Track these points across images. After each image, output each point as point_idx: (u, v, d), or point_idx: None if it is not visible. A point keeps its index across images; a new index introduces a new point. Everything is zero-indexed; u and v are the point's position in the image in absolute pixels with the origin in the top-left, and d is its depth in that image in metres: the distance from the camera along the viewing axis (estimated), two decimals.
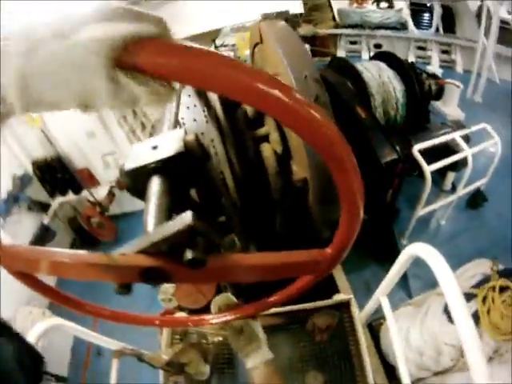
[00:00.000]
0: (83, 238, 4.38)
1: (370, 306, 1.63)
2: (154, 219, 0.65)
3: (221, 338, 1.67)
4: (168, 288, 2.58)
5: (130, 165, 0.78)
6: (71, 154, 4.11)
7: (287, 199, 1.51)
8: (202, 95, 1.69)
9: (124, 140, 4.00)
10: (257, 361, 0.96)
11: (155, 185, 0.74)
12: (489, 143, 3.15)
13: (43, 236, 3.98)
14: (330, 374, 1.66)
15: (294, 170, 1.53)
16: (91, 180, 4.25)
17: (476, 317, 1.88)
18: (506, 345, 1.81)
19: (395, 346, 1.40)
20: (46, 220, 4.07)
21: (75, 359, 3.34)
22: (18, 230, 3.73)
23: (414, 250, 1.15)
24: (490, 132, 3.18)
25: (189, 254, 0.54)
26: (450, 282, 0.98)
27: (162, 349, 1.72)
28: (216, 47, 5.29)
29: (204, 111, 1.57)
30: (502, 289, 1.90)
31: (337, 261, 0.67)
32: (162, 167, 0.76)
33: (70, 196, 4.27)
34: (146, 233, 0.64)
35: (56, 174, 4.06)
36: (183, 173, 0.78)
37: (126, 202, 4.41)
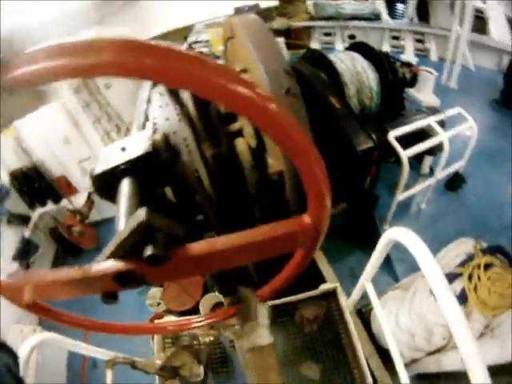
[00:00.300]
0: (65, 247, 4.29)
1: (355, 293, 1.64)
2: (124, 221, 0.64)
3: (212, 338, 1.66)
4: (155, 292, 2.56)
5: (100, 168, 0.78)
6: (47, 162, 4.00)
7: (264, 193, 1.50)
8: (173, 93, 1.66)
9: (99, 144, 3.93)
10: (252, 341, 0.94)
11: (125, 186, 0.74)
12: (464, 127, 3.22)
13: (26, 250, 3.87)
14: (325, 363, 1.68)
15: (269, 164, 1.53)
16: (69, 188, 4.16)
17: (463, 295, 1.93)
18: (495, 319, 1.86)
19: (384, 328, 1.42)
20: (27, 233, 3.96)
21: (72, 374, 3.28)
22: (3, 244, 3.62)
23: (392, 235, 1.16)
24: (464, 116, 3.25)
25: (147, 251, 0.53)
26: (430, 264, 0.99)
27: (155, 354, 1.70)
28: (189, 44, 5.24)
29: (176, 109, 1.55)
30: (487, 266, 1.95)
31: (320, 228, 0.65)
32: (131, 168, 0.75)
33: (50, 206, 4.17)
34: (117, 228, 0.63)
35: (33, 183, 3.94)
36: (153, 172, 0.78)
37: (106, 208, 4.31)
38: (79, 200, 4.13)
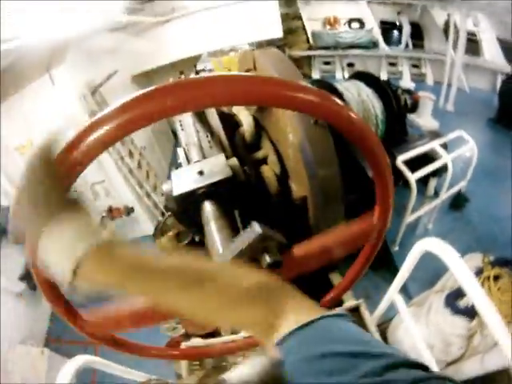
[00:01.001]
0: None
1: (382, 306, 1.71)
2: (219, 239, 0.72)
3: (241, 358, 1.68)
4: None
5: (179, 190, 0.82)
6: None
7: (289, 218, 1.58)
8: (204, 122, 1.77)
9: (113, 168, 3.99)
10: None
11: (209, 208, 0.79)
12: (466, 148, 3.38)
13: (30, 273, 3.85)
14: None
15: (293, 189, 1.61)
16: None
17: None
18: (509, 328, 1.93)
19: (414, 334, 1.48)
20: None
21: None
22: (10, 264, 3.61)
23: (425, 245, 1.21)
24: (464, 137, 3.42)
25: (266, 259, 0.60)
26: (464, 269, 1.05)
27: (184, 376, 1.71)
28: (197, 72, 5.48)
29: (207, 137, 1.65)
30: (496, 278, 2.05)
31: (383, 226, 0.79)
32: (213, 191, 0.82)
33: None
34: (215, 254, 0.69)
35: None
36: (230, 194, 0.85)
37: (118, 232, 4.34)
38: None
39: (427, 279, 2.66)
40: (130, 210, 4.17)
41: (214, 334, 1.90)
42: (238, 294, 0.52)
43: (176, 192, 0.83)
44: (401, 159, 2.92)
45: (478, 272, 2.15)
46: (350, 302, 1.69)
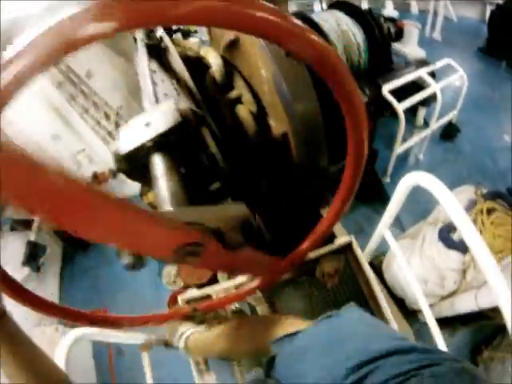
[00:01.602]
0: (73, 244, 4.29)
1: (373, 241, 1.69)
2: (170, 196, 0.65)
3: (237, 305, 1.69)
4: (170, 271, 2.60)
5: (127, 147, 0.74)
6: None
7: (270, 155, 1.51)
8: (168, 69, 1.64)
9: (91, 134, 3.83)
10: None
11: (158, 161, 0.72)
12: (455, 77, 3.26)
13: (34, 253, 3.88)
14: None
15: (272, 126, 1.53)
16: None
17: None
18: (502, 262, 1.91)
19: (404, 270, 1.47)
20: (32, 236, 3.95)
21: (99, 365, 3.37)
22: (7, 255, 3.62)
23: (413, 179, 1.16)
24: (453, 66, 3.28)
25: (232, 237, 0.56)
26: (453, 204, 1.00)
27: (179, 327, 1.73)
28: None
29: (173, 84, 1.53)
30: (489, 211, 2.02)
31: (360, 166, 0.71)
32: (162, 142, 0.74)
33: None
34: (162, 207, 0.63)
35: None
36: (183, 143, 0.77)
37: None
38: None
39: (420, 210, 2.66)
40: (114, 173, 4.06)
41: (212, 282, 1.91)
42: None
43: (123, 151, 0.74)
44: (387, 88, 2.79)
45: (471, 205, 2.13)
46: (341, 238, 1.67)
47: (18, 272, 3.62)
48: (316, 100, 1.41)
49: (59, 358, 1.31)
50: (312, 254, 1.62)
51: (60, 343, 1.40)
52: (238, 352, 0.91)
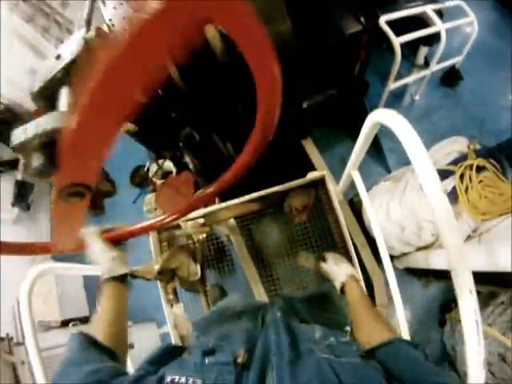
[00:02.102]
0: None
1: (343, 181, 1.62)
2: None
3: (204, 235, 1.69)
4: (151, 198, 2.63)
5: (38, 84, 0.74)
6: (20, 99, 3.76)
7: (242, 77, 1.40)
8: None
9: None
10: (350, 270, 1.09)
11: (64, 95, 0.70)
12: (464, 21, 2.96)
13: (22, 192, 3.87)
14: (319, 252, 1.73)
15: None
16: None
17: (454, 194, 1.91)
18: (484, 224, 1.87)
19: (369, 215, 1.42)
20: (19, 176, 3.92)
21: (91, 296, 3.52)
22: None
23: (378, 117, 1.05)
24: (465, 10, 2.97)
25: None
26: (418, 148, 0.89)
27: (153, 258, 1.74)
28: None
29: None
30: (479, 168, 1.92)
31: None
32: (67, 74, 0.70)
33: None
34: None
35: (11, 125, 3.77)
36: None
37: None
38: None
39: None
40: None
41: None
42: None
43: (36, 88, 0.72)
44: (384, 19, 2.55)
45: (461, 158, 2.03)
46: (314, 173, 1.59)
47: (9, 213, 3.65)
48: (289, 23, 1.28)
49: (23, 291, 1.30)
50: (281, 187, 1.56)
51: (27, 275, 1.40)
52: None
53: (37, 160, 0.57)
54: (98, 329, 0.77)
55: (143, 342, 2.50)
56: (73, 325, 3.07)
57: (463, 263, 0.78)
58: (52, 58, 0.73)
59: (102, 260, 0.91)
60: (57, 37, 3.46)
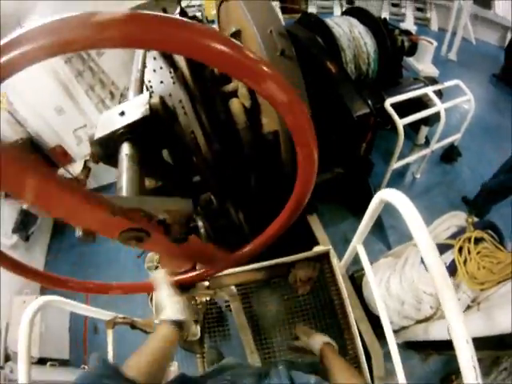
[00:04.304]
0: None
1: (347, 255, 1.68)
2: (126, 183, 0.67)
3: (208, 298, 1.71)
4: (152, 256, 2.61)
5: (99, 134, 0.79)
6: (42, 132, 3.96)
7: (259, 153, 1.52)
8: (167, 57, 1.64)
9: (94, 112, 3.85)
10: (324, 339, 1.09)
11: (125, 150, 0.75)
12: (462, 99, 3.19)
13: (25, 221, 3.90)
14: (317, 325, 1.74)
15: (264, 123, 1.53)
16: (65, 157, 4.13)
17: (453, 267, 1.96)
18: (483, 294, 1.87)
19: (373, 289, 1.46)
20: (25, 205, 3.99)
21: (74, 340, 3.40)
22: (2, 219, 3.65)
23: (384, 196, 1.15)
24: (463, 89, 3.22)
25: (177, 233, 0.58)
26: (419, 226, 0.97)
27: (154, 314, 1.75)
28: (181, 8, 5.09)
29: (171, 72, 1.54)
30: (477, 240, 1.96)
31: (309, 185, 0.69)
32: (130, 132, 0.77)
33: None
34: (118, 193, 0.66)
35: (29, 155, 3.90)
36: (152, 135, 0.79)
37: (103, 175, 4.33)
38: (76, 168, 4.09)
39: (408, 230, 2.64)
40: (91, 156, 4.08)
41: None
42: None
43: (96, 136, 0.78)
44: (389, 101, 2.77)
45: (460, 232, 2.08)
46: (319, 246, 1.67)
47: (7, 238, 3.65)
48: (307, 103, 1.41)
49: (24, 322, 1.31)
50: (287, 258, 1.63)
51: (27, 308, 1.41)
52: None
53: None
54: (138, 362, 0.75)
55: None
56: (50, 365, 2.93)
57: (463, 333, 0.84)
58: (114, 112, 0.81)
59: (166, 303, 0.95)
60: (88, 82, 3.72)
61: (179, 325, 0.93)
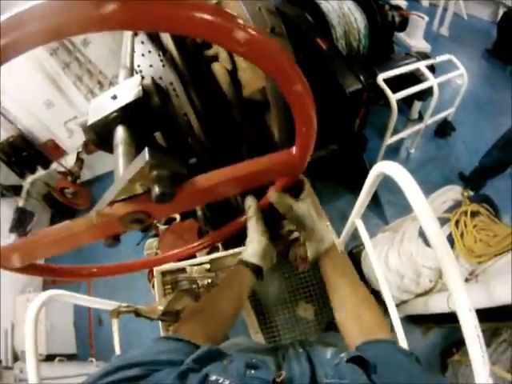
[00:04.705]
0: (61, 211, 4.32)
1: (346, 231, 1.69)
2: (123, 168, 0.66)
3: (210, 281, 1.73)
4: (152, 242, 2.63)
5: (92, 119, 0.77)
6: (33, 128, 3.92)
7: (248, 117, 1.50)
8: (155, 40, 1.62)
9: (83, 103, 3.81)
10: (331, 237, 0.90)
11: (120, 134, 0.74)
12: (454, 74, 3.19)
13: (21, 219, 3.90)
14: (319, 302, 1.76)
15: (248, 83, 1.50)
16: (57, 150, 4.11)
17: (450, 240, 1.97)
18: (480, 266, 1.92)
19: (373, 263, 1.47)
20: (20, 202, 3.97)
21: (79, 334, 3.44)
22: None
23: (382, 168, 1.13)
24: (455, 64, 3.21)
25: (156, 190, 0.55)
26: (419, 197, 0.95)
27: (156, 300, 1.77)
28: None
29: (159, 55, 1.51)
30: (473, 214, 2.00)
31: (304, 158, 0.69)
32: (124, 115, 0.76)
33: (40, 172, 4.12)
34: (116, 179, 0.65)
35: (21, 152, 3.87)
36: (145, 118, 0.78)
37: (96, 166, 4.35)
38: (69, 161, 4.08)
39: (405, 205, 2.65)
40: (86, 143, 4.03)
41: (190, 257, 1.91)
42: None
43: (89, 122, 0.77)
44: (382, 77, 2.76)
45: (456, 205, 2.13)
46: None
47: (6, 238, 3.65)
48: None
49: (29, 318, 1.31)
50: (288, 236, 1.63)
51: (32, 304, 1.40)
52: None
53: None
54: (208, 308, 0.75)
55: None
56: (59, 360, 2.97)
57: (466, 303, 0.83)
58: (105, 97, 0.79)
59: (250, 238, 0.87)
60: (76, 73, 3.65)
61: (256, 270, 0.85)
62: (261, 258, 0.85)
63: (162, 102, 0.79)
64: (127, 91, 0.77)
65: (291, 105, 0.54)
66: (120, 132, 0.73)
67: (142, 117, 0.77)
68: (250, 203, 0.87)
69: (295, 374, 0.59)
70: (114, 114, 0.74)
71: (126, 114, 0.75)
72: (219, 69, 1.49)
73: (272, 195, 0.80)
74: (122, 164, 0.66)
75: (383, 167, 1.12)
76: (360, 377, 0.54)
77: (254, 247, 0.85)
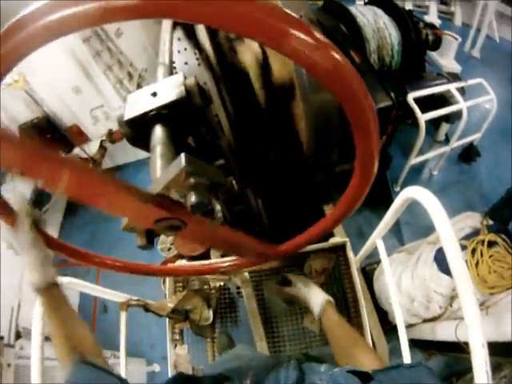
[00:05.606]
0: None
1: (365, 249, 1.67)
2: (161, 169, 0.64)
3: (222, 283, 1.72)
4: (166, 238, 2.63)
5: (130, 114, 0.75)
6: (59, 112, 3.98)
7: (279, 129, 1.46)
8: (192, 37, 1.61)
9: (111, 92, 3.84)
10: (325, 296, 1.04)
11: (158, 133, 0.72)
12: (484, 98, 3.12)
13: (38, 200, 3.95)
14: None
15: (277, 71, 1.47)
16: (81, 136, 4.15)
17: None
18: (492, 298, 1.88)
19: (389, 286, 1.45)
20: (39, 183, 4.02)
21: (83, 318, 3.45)
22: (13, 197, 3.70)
23: (411, 193, 1.13)
24: (485, 88, 3.15)
25: (192, 199, 0.54)
26: (446, 225, 0.98)
27: (167, 297, 1.77)
28: None
29: (195, 54, 1.51)
30: (490, 243, 1.95)
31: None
32: (164, 113, 0.74)
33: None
34: (154, 178, 0.64)
35: (45, 134, 3.93)
36: (185, 118, 0.76)
37: (119, 155, 4.39)
38: (92, 148, 4.11)
39: (423, 227, 2.62)
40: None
41: (204, 257, 1.92)
42: None
43: (127, 117, 0.75)
44: (412, 96, 2.72)
45: (474, 233, 2.08)
46: (336, 238, 1.65)
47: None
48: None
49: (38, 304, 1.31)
50: (305, 249, 1.61)
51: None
52: None
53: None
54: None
55: (129, 377, 2.43)
56: None
57: (479, 333, 0.85)
58: (145, 92, 0.78)
59: (30, 256, 0.80)
60: (106, 62, 3.70)
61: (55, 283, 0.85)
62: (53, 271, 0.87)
63: (204, 103, 0.78)
64: (168, 89, 0.75)
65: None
66: (158, 131, 0.72)
67: (182, 117, 0.75)
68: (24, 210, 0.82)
69: (280, 376, 0.62)
70: (154, 111, 0.73)
71: (166, 113, 0.73)
72: (246, 54, 1.45)
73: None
74: (159, 166, 0.64)
75: (413, 193, 1.12)
76: (355, 381, 0.55)
77: (41, 266, 0.84)
